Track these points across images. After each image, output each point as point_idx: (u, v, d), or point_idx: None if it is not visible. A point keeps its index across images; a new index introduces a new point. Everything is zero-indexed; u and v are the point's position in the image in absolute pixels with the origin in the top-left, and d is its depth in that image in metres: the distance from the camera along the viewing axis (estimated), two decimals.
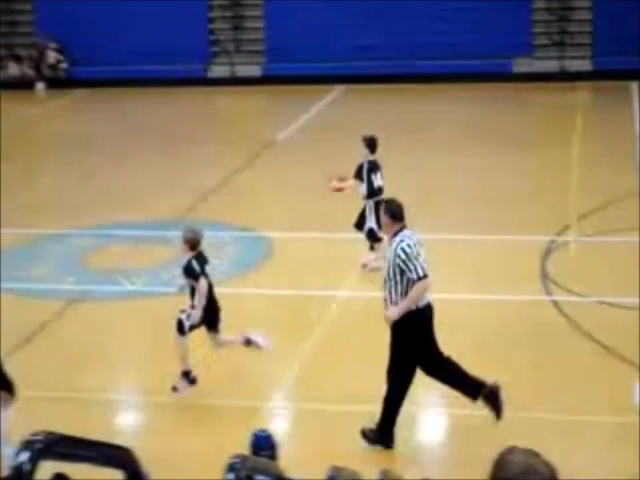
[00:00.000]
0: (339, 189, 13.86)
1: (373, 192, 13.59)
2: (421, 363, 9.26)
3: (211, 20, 30.52)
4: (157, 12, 29.58)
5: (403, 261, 8.92)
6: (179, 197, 17.87)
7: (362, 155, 13.78)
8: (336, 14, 28.78)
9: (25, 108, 27.69)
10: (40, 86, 30.02)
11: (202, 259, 10.54)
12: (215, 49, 30.34)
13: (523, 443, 3.85)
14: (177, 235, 15.45)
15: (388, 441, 9.31)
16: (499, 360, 10.97)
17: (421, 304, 9.08)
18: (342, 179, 13.88)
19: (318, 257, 14.64)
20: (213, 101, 28.15)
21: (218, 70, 29.82)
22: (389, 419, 9.29)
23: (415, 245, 9.02)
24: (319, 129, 23.48)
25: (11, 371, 8.25)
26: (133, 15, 29.65)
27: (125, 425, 10.48)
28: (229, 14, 30.44)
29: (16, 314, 12.80)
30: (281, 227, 16.07)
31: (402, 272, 8.96)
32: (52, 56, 30.27)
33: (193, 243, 10.54)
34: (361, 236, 13.85)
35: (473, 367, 9.45)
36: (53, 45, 30.28)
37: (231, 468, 6.22)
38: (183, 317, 10.52)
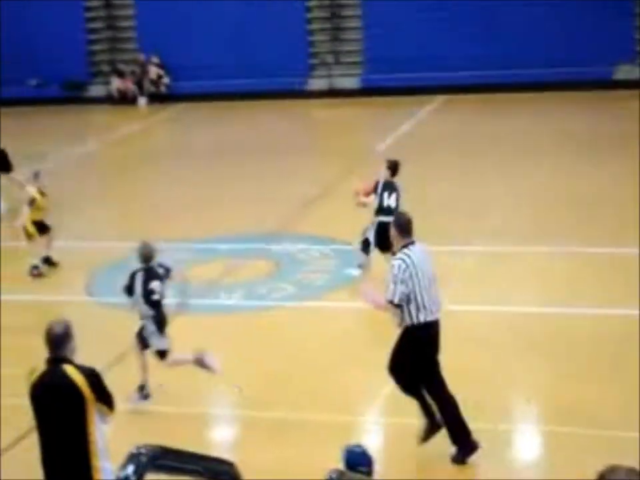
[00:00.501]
0: (363, 204, 14.19)
1: (380, 209, 13.85)
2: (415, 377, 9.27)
3: (310, 32, 30.62)
4: (256, 26, 29.80)
5: (392, 276, 8.97)
6: (278, 210, 17.91)
7: (382, 175, 14.14)
8: (433, 25, 28.65)
9: (128, 122, 28.12)
10: (142, 101, 30.47)
11: (150, 274, 10.70)
12: (314, 61, 30.43)
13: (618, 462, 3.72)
14: (277, 248, 15.64)
15: (469, 447, 9.15)
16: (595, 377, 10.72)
17: (424, 319, 9.06)
18: (368, 194, 14.04)
19: None
20: (311, 113, 28.22)
21: (317, 82, 29.90)
22: (453, 428, 9.18)
23: (407, 268, 8.93)
24: (417, 140, 23.34)
25: (108, 384, 8.30)
26: (232, 29, 29.93)
27: (218, 439, 10.51)
28: (327, 26, 30.51)
29: (115, 327, 12.94)
30: None
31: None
32: (154, 71, 30.70)
33: (143, 257, 10.77)
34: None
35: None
36: (154, 60, 30.71)
37: None
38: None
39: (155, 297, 10.75)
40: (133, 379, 11.11)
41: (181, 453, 6.73)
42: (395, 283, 8.96)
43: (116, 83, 31.11)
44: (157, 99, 30.32)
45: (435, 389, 9.31)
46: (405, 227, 9.17)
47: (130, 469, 5.94)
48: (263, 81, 29.11)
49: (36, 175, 15.83)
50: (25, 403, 10.40)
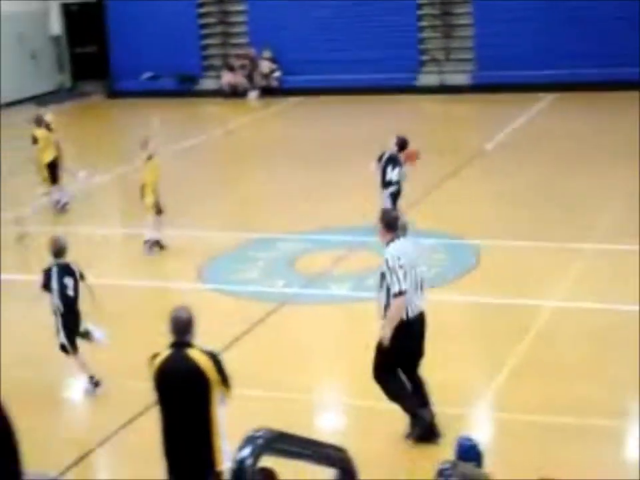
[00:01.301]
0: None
1: (384, 183, 15.17)
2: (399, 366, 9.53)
3: (421, 29, 30.62)
4: (367, 22, 29.92)
5: (387, 269, 9.22)
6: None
7: (390, 149, 15.32)
8: (544, 22, 28.42)
9: (239, 115, 28.48)
10: (253, 94, 30.83)
11: (64, 270, 10.90)
12: (425, 57, 30.43)
13: None
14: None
15: (429, 433, 9.45)
16: None
17: (410, 315, 9.34)
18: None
19: (526, 265, 14.47)
20: (421, 109, 28.21)
21: (427, 78, 29.90)
22: (410, 411, 9.53)
23: (400, 258, 9.20)
24: (527, 137, 23.19)
25: None
26: (344, 24, 30.08)
27: (328, 426, 10.63)
28: (438, 23, 30.47)
29: (228, 314, 13.21)
30: (489, 234, 15.96)
31: (384, 280, 9.27)
32: (265, 65, 31.02)
33: (54, 251, 10.93)
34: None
35: None
36: (266, 54, 31.03)
37: (441, 473, 6.26)
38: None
39: (69, 292, 10.93)
40: (245, 364, 11.33)
41: (296, 437, 6.87)
42: (396, 273, 9.20)
43: (227, 77, 31.52)
44: (268, 92, 30.64)
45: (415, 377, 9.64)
46: (392, 224, 9.50)
47: (247, 451, 6.09)
48: (373, 77, 29.24)
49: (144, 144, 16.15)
50: (139, 386, 10.75)
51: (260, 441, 6.30)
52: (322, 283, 14.37)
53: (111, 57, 32.65)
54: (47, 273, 11.01)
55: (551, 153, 21.24)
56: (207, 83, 32.06)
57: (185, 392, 7.48)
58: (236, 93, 31.02)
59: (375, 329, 12.12)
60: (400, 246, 9.40)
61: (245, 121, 27.89)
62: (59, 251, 11.06)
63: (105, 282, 14.79)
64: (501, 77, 28.21)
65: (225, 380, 7.52)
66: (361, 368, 11.51)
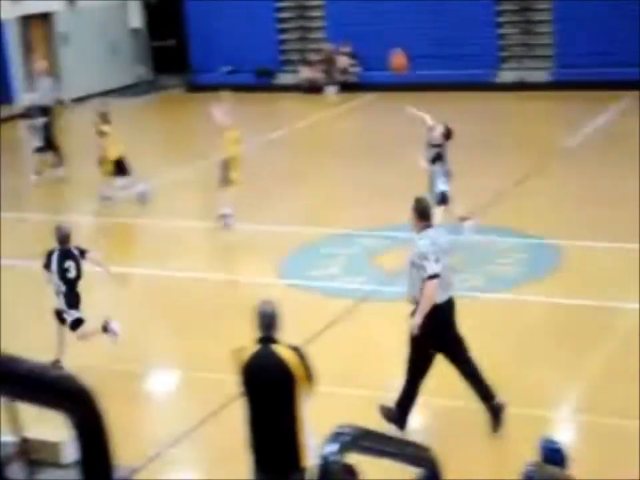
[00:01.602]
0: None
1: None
2: (446, 355, 9.77)
3: (500, 25, 30.38)
4: (447, 18, 29.78)
5: (418, 256, 9.46)
6: (467, 201, 17.84)
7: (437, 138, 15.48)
8: (624, 19, 28.02)
9: (316, 111, 28.48)
10: (330, 89, 30.83)
11: (66, 255, 11.56)
12: (504, 53, 30.18)
13: None
14: (466, 238, 15.64)
15: (402, 423, 9.83)
16: None
17: (439, 300, 9.51)
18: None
19: (609, 267, 14.28)
20: (500, 105, 27.98)
21: (506, 75, 29.66)
22: (405, 406, 9.85)
23: (433, 245, 9.46)
24: (608, 136, 22.89)
25: None
26: (423, 20, 29.95)
27: (410, 425, 10.58)
28: (517, 19, 30.20)
29: (307, 310, 13.21)
30: (570, 235, 15.77)
31: (418, 269, 9.47)
32: (343, 60, 31.00)
33: (59, 239, 11.60)
34: None
35: None
36: (345, 49, 31.00)
37: (527, 475, 6.20)
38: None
39: (70, 274, 11.59)
40: (324, 361, 11.33)
41: (382, 435, 6.84)
42: (428, 259, 9.41)
43: (305, 72, 31.56)
44: (346, 88, 30.61)
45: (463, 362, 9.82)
46: (425, 212, 9.69)
47: (333, 447, 6.07)
48: (452, 73, 29.09)
49: None
50: (219, 379, 10.81)
51: (346, 438, 6.28)
52: (402, 280, 14.27)
53: (190, 51, 32.87)
54: (49, 256, 11.69)
55: (632, 152, 20.93)
56: (285, 78, 32.13)
57: (271, 388, 7.49)
58: (314, 88, 31.05)
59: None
60: (431, 234, 9.62)
61: (322, 116, 27.89)
62: (63, 238, 11.73)
63: (183, 275, 14.96)
64: (581, 74, 27.88)
65: (309, 376, 7.52)
66: (441, 366, 11.48)
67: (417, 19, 30.03)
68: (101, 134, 18.98)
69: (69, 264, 11.64)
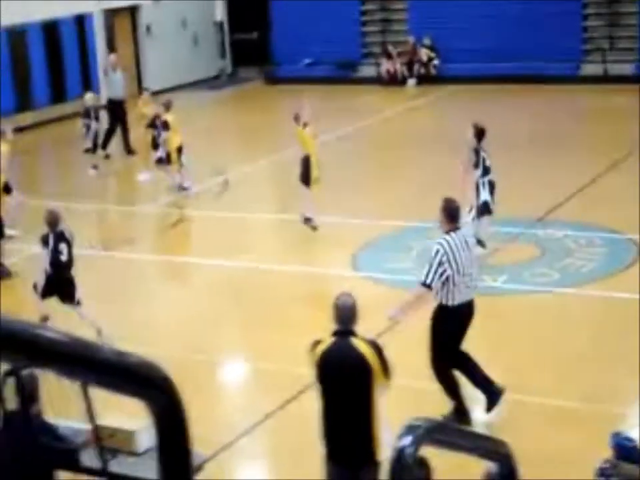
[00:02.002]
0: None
1: (485, 169, 14.55)
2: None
3: (585, 17, 29.95)
4: (529, 9, 29.43)
5: (430, 258, 9.60)
6: (544, 196, 17.65)
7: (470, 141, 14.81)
8: None
9: (397, 104, 28.37)
10: (411, 82, 30.69)
11: (59, 237, 11.99)
12: (588, 46, 29.74)
13: None
14: (543, 233, 15.47)
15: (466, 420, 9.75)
16: None
17: (456, 302, 9.60)
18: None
19: None
20: (584, 99, 27.57)
21: (590, 68, 29.22)
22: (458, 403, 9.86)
23: (446, 253, 9.47)
24: None
25: None
26: (501, 11, 29.59)
27: (479, 419, 10.48)
28: (603, 10, 29.75)
29: (381, 303, 13.10)
30: None
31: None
32: (424, 53, 30.84)
33: (49, 222, 12.06)
34: None
35: None
36: (425, 42, 30.85)
37: (602, 473, 6.09)
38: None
39: (62, 257, 12.02)
40: (398, 354, 11.27)
41: (457, 428, 6.78)
42: (432, 266, 9.53)
43: (386, 65, 31.46)
44: (427, 81, 30.45)
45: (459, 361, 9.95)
46: (454, 214, 9.74)
47: (408, 440, 6.01)
48: (534, 65, 28.73)
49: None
50: (294, 371, 10.81)
51: (420, 431, 6.23)
52: (480, 274, 14.15)
53: (271, 43, 32.97)
54: (45, 239, 12.11)
55: None
56: (366, 70, 32.06)
57: (348, 381, 7.46)
58: (394, 81, 30.94)
59: (527, 322, 11.96)
60: (455, 238, 9.62)
61: (402, 109, 27.77)
62: (53, 221, 12.20)
63: (259, 267, 15.00)
64: None
65: (385, 370, 7.48)
66: (512, 360, 11.37)
67: (498, 10, 29.68)
68: (164, 125, 19.10)
69: (62, 247, 12.08)
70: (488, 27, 29.62)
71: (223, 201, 18.82)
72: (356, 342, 7.46)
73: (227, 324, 13.35)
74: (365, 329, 7.94)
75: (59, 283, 12.15)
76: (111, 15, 30.95)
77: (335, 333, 7.55)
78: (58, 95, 27.55)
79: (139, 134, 21.77)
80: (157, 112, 20.03)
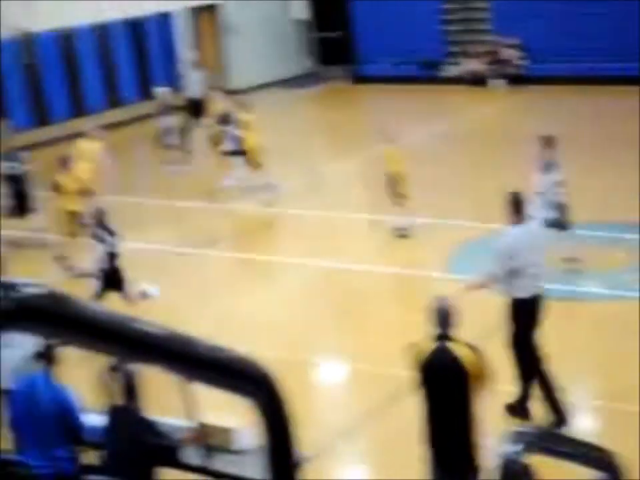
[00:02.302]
0: None
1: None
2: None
3: None
4: (620, 7, 28.96)
5: (497, 251, 9.81)
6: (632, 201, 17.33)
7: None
8: None
9: (480, 104, 28.16)
10: (495, 82, 30.43)
11: (106, 230, 12.55)
12: None
13: None
14: (631, 237, 15.23)
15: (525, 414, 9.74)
16: None
17: (522, 294, 9.73)
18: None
19: None
20: None
21: None
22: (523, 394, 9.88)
23: (514, 245, 9.68)
24: None
25: None
26: (592, 8, 29.15)
27: (581, 426, 10.37)
28: None
29: (477, 306, 12.92)
30: None
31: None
32: (508, 53, 30.55)
33: (96, 218, 12.69)
34: None
35: None
36: (511, 41, 30.55)
37: None
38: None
39: (114, 250, 12.58)
40: (500, 356, 11.19)
41: (564, 437, 6.73)
42: (499, 258, 9.72)
43: (470, 64, 31.23)
44: (512, 81, 30.15)
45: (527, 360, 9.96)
46: (520, 207, 9.86)
47: (515, 447, 5.97)
48: (623, 66, 28.28)
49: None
50: (389, 373, 10.79)
51: (529, 438, 6.18)
52: (570, 279, 14.01)
53: (356, 42, 32.93)
54: (96, 234, 12.60)
55: None
56: (451, 70, 31.86)
57: (447, 385, 7.44)
58: (478, 81, 30.71)
59: (618, 327, 11.77)
60: (521, 231, 9.78)
61: (486, 109, 27.56)
62: (101, 216, 12.76)
63: (352, 267, 14.98)
64: None
65: (485, 375, 7.44)
66: (608, 369, 11.21)
67: (588, 7, 29.25)
68: (244, 124, 19.14)
69: (112, 239, 12.66)
70: (578, 25, 29.22)
71: (314, 199, 18.82)
72: (454, 346, 7.44)
73: (321, 325, 13.35)
74: (462, 332, 7.89)
75: (112, 276, 12.57)
76: (196, 13, 31.16)
77: (434, 337, 7.53)
78: (144, 92, 27.76)
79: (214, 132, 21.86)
80: (228, 109, 20.15)
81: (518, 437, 6.24)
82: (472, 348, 7.47)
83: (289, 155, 22.08)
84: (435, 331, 7.58)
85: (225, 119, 20.10)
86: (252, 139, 18.96)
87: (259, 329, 12.90)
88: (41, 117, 25.53)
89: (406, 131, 20.99)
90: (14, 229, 16.66)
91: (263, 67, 32.49)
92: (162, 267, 15.63)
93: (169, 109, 21.87)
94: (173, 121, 21.95)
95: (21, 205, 16.84)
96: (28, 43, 25.25)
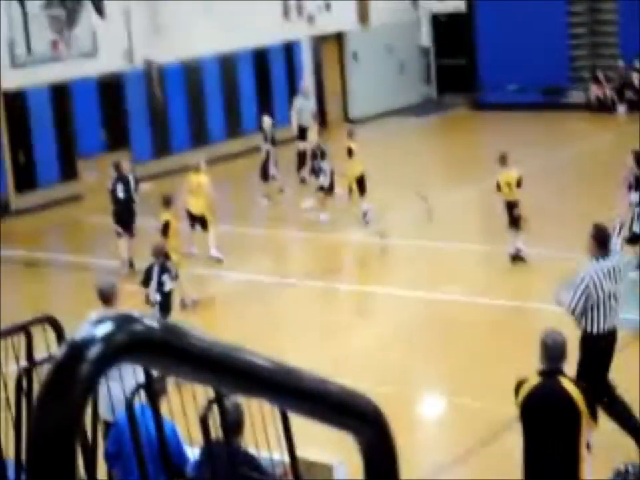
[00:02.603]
0: None
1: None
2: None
3: None
4: None
5: (575, 285, 9.60)
6: None
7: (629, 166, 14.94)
8: None
9: (604, 131, 27.59)
10: (621, 109, 29.80)
11: (163, 268, 12.61)
12: None
13: None
14: None
15: None
16: None
17: (597, 329, 9.56)
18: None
19: None
20: None
21: None
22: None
23: (592, 279, 9.48)
24: None
25: None
26: None
27: None
28: None
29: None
30: None
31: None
32: (636, 77, 29.89)
33: (154, 253, 12.73)
34: None
35: None
36: (637, 66, 29.91)
37: None
38: None
39: (166, 288, 12.54)
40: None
41: None
42: (576, 292, 9.54)
43: (595, 90, 30.67)
44: (639, 107, 29.48)
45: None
46: (603, 240, 9.76)
47: None
48: None
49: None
50: (491, 407, 10.57)
51: (630, 477, 5.99)
52: None
53: (477, 69, 32.70)
54: (148, 272, 12.68)
55: None
56: (574, 96, 31.34)
57: (555, 422, 7.21)
58: (604, 107, 30.11)
59: None
60: (601, 266, 9.64)
61: (611, 136, 26.97)
62: (158, 252, 12.82)
63: (461, 299, 14.75)
64: None
65: (592, 412, 7.20)
66: None
67: None
68: (349, 152, 19.12)
69: (165, 277, 12.62)
70: None
71: (426, 229, 18.67)
72: (564, 382, 7.19)
73: (427, 356, 13.20)
74: (571, 367, 7.65)
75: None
76: (319, 41, 31.36)
77: (542, 372, 7.28)
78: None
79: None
80: (318, 142, 20.21)
81: (621, 474, 6.04)
82: (579, 385, 7.24)
83: (405, 183, 21.97)
84: (544, 365, 7.33)
85: (315, 153, 20.20)
86: (356, 169, 18.94)
87: (362, 360, 12.80)
88: (162, 148, 25.96)
89: (526, 157, 20.70)
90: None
91: (384, 95, 32.47)
92: (267, 297, 15.67)
93: (272, 139, 21.98)
94: (271, 148, 22.02)
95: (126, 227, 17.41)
96: (153, 73, 25.74)
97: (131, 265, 16.93)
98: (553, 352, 7.27)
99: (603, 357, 9.73)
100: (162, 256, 12.88)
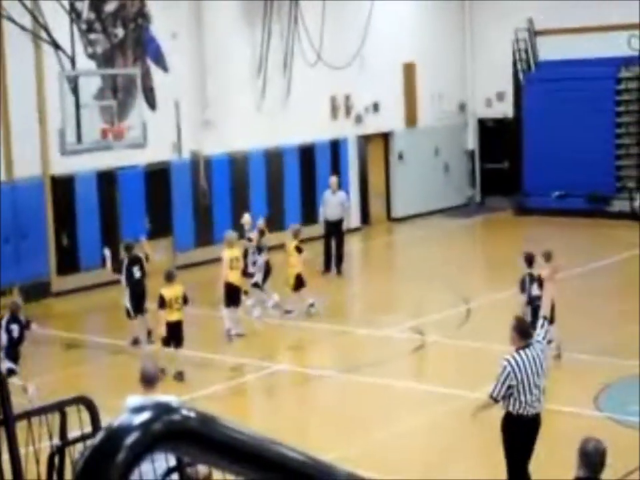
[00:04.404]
0: None
1: (530, 300, 15.26)
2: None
3: None
4: None
5: (498, 375, 10.26)
6: None
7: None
8: None
9: None
10: None
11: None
12: None
13: None
14: None
15: None
16: None
17: (522, 411, 10.13)
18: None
19: None
20: None
21: None
22: None
23: (512, 370, 10.11)
24: None
25: None
26: None
27: None
28: None
29: (623, 446, 12.44)
30: None
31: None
32: None
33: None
34: None
35: None
36: None
37: None
38: None
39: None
40: None
41: None
42: (498, 382, 10.22)
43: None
44: None
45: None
46: (525, 333, 10.40)
47: None
48: None
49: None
50: None
51: None
52: None
53: (521, 174, 32.79)
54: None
55: None
56: (620, 205, 31.27)
57: None
58: None
59: None
60: (521, 357, 10.22)
61: None
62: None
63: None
64: None
65: None
66: None
67: None
68: (298, 250, 19.70)
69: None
70: None
71: (465, 329, 18.59)
72: None
73: (466, 455, 13.07)
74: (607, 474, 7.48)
75: None
76: (365, 140, 31.65)
77: None
78: (307, 216, 27.95)
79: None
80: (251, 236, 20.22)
81: None
82: None
83: (447, 282, 21.95)
84: (582, 473, 7.18)
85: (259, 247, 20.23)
86: (297, 266, 19.72)
87: (401, 456, 12.68)
88: (205, 237, 26.12)
89: (567, 262, 20.61)
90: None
91: (428, 195, 32.62)
92: (305, 390, 15.61)
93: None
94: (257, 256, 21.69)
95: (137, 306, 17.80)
96: (199, 164, 26.04)
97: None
98: (594, 460, 7.12)
99: (524, 440, 10.20)
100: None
